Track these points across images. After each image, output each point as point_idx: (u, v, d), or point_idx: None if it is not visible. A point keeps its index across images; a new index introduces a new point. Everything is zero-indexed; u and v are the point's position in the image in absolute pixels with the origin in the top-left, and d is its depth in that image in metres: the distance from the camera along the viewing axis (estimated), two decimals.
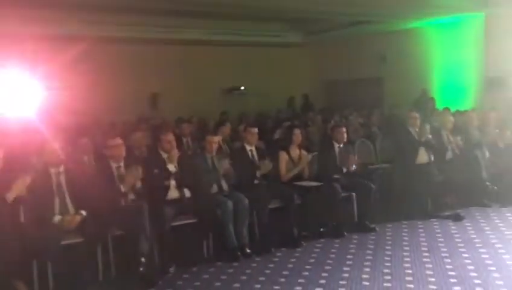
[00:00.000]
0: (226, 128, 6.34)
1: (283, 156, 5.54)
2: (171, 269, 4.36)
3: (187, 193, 4.73)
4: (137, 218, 4.19)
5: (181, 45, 11.93)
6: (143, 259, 4.11)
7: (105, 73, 10.43)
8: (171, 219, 4.48)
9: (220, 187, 4.99)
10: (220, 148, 5.15)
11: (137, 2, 8.58)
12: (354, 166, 5.71)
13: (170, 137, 4.82)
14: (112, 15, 9.75)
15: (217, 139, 5.09)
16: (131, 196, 4.44)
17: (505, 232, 5.15)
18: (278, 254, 4.78)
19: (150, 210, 4.28)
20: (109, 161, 4.53)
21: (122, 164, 4.52)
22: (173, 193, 4.67)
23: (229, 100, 12.63)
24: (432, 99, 10.18)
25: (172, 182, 4.68)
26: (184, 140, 6.48)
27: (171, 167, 4.73)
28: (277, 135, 7.18)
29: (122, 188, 4.38)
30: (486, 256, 4.48)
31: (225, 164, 4.98)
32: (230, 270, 4.41)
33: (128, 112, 9.85)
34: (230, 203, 4.74)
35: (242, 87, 13.06)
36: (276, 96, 12.68)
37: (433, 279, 4.02)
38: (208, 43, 12.08)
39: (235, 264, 4.53)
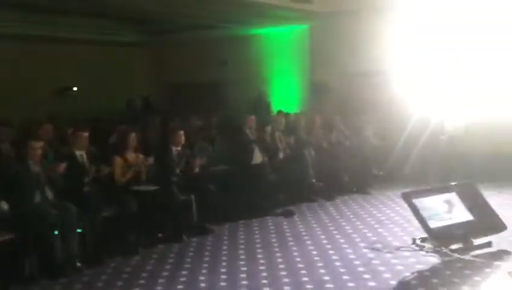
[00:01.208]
0: (46, 132, 5.75)
1: (118, 161, 5.28)
2: None
3: (4, 205, 4.21)
4: None
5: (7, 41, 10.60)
6: None
7: None
8: None
9: (43, 196, 4.53)
10: (43, 154, 4.67)
11: None
12: (196, 169, 5.73)
13: None
14: None
15: (39, 145, 4.61)
16: None
17: (329, 225, 5.66)
18: (113, 265, 4.54)
19: None
20: None
21: None
22: None
23: (60, 102, 11.63)
24: (268, 102, 10.81)
25: None
26: (2, 146, 5.74)
27: None
28: (113, 138, 6.82)
29: None
30: (312, 247, 4.87)
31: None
32: (57, 287, 4.03)
33: None
34: (55, 213, 4.33)
35: (74, 88, 12.10)
36: (114, 98, 12.08)
37: (265, 274, 4.21)
38: (37, 39, 10.95)
39: (63, 280, 4.16)
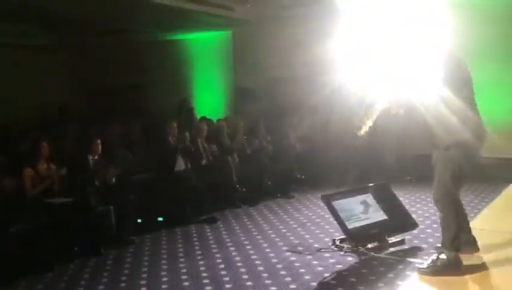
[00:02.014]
0: None
1: (28, 172, 4.96)
2: None
3: None
4: None
5: None
6: None
7: None
8: None
9: None
10: None
11: None
12: (113, 179, 5.51)
13: None
14: None
15: None
16: None
17: (252, 230, 5.68)
18: (23, 283, 4.24)
19: None
20: None
21: None
22: None
23: None
24: (192, 108, 10.68)
25: None
26: None
27: None
28: (24, 147, 6.42)
29: None
30: (235, 253, 4.85)
31: None
32: None
33: None
34: None
35: None
36: (25, 104, 11.28)
37: (187, 283, 4.13)
38: None
39: None
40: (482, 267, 3.68)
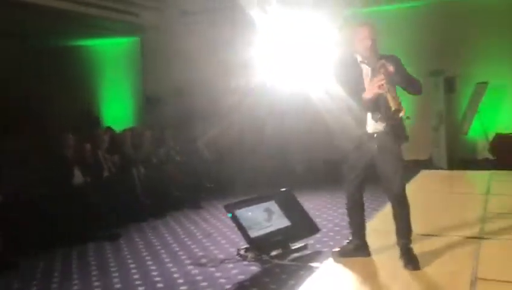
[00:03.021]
0: None
1: None
2: None
3: None
4: None
5: None
6: None
7: None
8: None
9: None
10: None
11: None
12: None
13: None
14: None
15: None
16: None
17: (156, 244, 5.44)
18: None
19: None
20: None
21: None
22: None
23: None
24: (96, 118, 10.19)
25: None
26: None
27: None
28: None
29: None
30: (135, 271, 4.59)
31: None
32: None
33: None
34: None
35: None
36: None
37: None
38: None
39: None
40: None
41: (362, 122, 3.62)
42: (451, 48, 8.95)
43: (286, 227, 4.93)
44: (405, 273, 3.58)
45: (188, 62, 9.47)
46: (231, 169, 7.99)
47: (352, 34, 3.62)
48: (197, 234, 5.77)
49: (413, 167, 7.61)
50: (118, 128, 8.40)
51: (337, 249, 4.06)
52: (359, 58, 3.64)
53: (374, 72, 3.51)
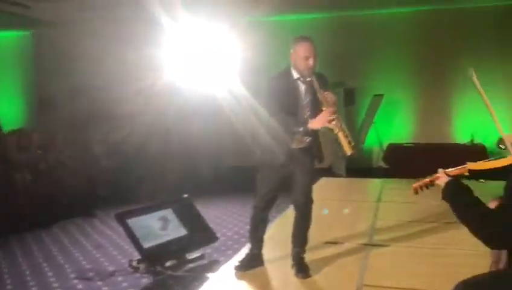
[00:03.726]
0: None
1: None
2: None
3: None
4: None
5: None
6: None
7: None
8: None
9: None
10: None
11: None
12: None
13: None
14: None
15: None
16: None
17: (38, 257, 4.93)
18: None
19: None
20: None
21: None
22: None
23: None
24: None
25: None
26: None
27: None
28: None
29: None
30: (11, 287, 4.11)
31: None
32: None
33: None
34: None
35: None
36: None
37: None
38: None
39: None
40: None
41: (285, 139, 3.46)
42: (350, 61, 9.33)
43: (183, 236, 4.72)
44: (295, 282, 3.56)
45: (86, 61, 8.88)
46: (135, 175, 7.59)
47: (292, 50, 3.42)
48: (87, 244, 5.35)
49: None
50: (7, 129, 7.64)
51: (238, 264, 3.93)
52: (295, 75, 3.45)
53: (309, 90, 3.41)
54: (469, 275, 1.95)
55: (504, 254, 2.09)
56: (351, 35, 9.17)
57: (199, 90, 8.01)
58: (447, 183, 2.05)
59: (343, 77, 9.22)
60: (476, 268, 2.15)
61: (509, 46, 8.56)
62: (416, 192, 2.26)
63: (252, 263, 3.86)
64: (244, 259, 3.93)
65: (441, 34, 8.92)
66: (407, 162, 8.42)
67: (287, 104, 3.36)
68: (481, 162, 2.20)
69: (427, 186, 2.22)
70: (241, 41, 6.74)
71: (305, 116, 3.43)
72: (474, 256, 3.45)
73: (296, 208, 3.67)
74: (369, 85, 9.39)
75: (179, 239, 4.68)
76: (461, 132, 8.88)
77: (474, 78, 2.36)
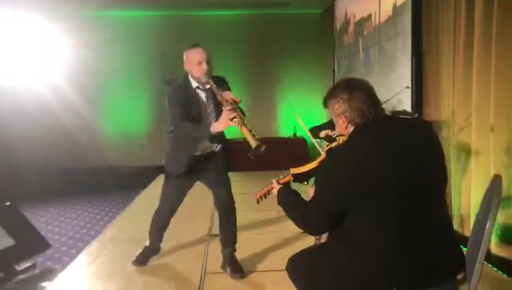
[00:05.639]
0: None
1: None
2: None
3: None
4: None
5: None
6: None
7: None
8: None
9: None
10: None
11: None
12: None
13: None
14: None
15: None
16: None
17: None
18: None
19: None
20: None
21: None
22: None
23: None
24: None
25: None
26: None
27: None
28: None
29: None
30: None
31: None
32: None
33: None
34: None
35: None
36: None
37: None
38: None
39: None
40: None
41: (187, 148, 3.40)
42: (180, 61, 9.46)
43: (10, 247, 4.31)
44: (138, 280, 3.62)
45: None
46: None
47: (185, 58, 3.31)
48: None
49: (151, 173, 7.76)
50: None
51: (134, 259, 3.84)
52: (194, 84, 3.33)
53: (210, 96, 3.32)
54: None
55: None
56: (182, 34, 9.31)
57: (22, 88, 7.39)
58: (278, 191, 2.37)
59: (175, 74, 9.32)
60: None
61: (319, 49, 9.54)
62: (258, 202, 2.53)
63: (151, 255, 3.88)
64: (143, 252, 3.85)
65: (266, 36, 9.63)
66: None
67: (190, 114, 3.28)
68: (301, 166, 2.53)
69: (265, 195, 2.50)
70: (72, 38, 6.38)
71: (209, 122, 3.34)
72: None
73: (223, 210, 3.63)
74: None
75: (5, 250, 4.28)
76: (285, 126, 9.71)
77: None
